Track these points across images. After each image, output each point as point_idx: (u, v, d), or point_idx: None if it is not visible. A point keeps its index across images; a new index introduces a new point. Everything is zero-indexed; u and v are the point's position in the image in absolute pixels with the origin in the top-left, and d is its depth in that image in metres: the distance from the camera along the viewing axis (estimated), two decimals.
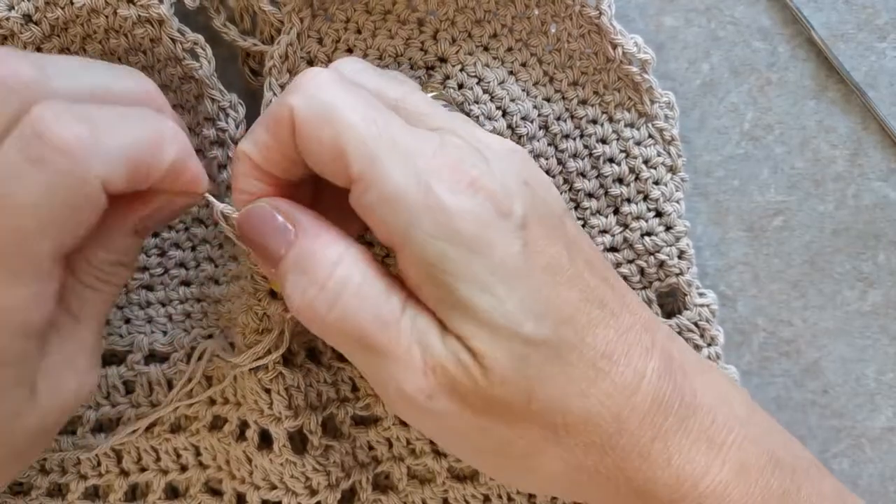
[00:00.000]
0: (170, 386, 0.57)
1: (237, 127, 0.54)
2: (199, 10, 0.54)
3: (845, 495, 0.50)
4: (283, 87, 0.53)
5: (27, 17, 0.52)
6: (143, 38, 0.52)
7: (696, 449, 0.46)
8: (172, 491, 0.59)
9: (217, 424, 0.57)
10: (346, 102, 0.43)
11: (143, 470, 0.58)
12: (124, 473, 0.58)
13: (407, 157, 0.42)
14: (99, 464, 0.58)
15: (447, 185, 0.42)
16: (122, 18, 0.52)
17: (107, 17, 0.52)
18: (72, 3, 0.51)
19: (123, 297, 0.57)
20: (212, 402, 0.57)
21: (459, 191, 0.42)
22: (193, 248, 0.57)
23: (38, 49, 0.53)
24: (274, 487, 0.56)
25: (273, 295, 0.53)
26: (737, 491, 0.46)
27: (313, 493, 0.56)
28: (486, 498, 0.57)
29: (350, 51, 0.54)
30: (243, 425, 0.56)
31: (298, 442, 0.56)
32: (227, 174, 0.54)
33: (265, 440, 0.56)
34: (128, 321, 0.57)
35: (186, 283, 0.57)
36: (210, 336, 0.56)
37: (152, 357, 0.58)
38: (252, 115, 0.54)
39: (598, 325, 0.45)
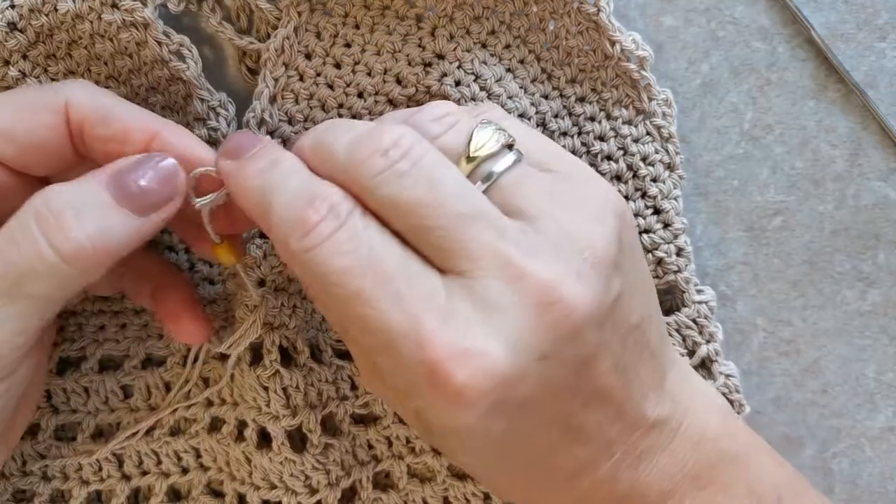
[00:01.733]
0: (167, 389, 0.57)
1: (229, 125, 0.54)
2: (184, 12, 0.55)
3: None
4: (276, 80, 0.54)
5: (12, 25, 0.52)
6: (129, 41, 0.53)
7: None
8: (174, 494, 0.59)
9: (216, 426, 0.57)
10: (347, 267, 0.41)
11: (144, 474, 0.58)
12: (126, 478, 0.58)
13: (396, 341, 0.41)
14: (100, 469, 0.58)
15: (431, 395, 0.41)
16: (106, 23, 0.52)
17: (91, 22, 0.52)
18: (56, 10, 0.51)
19: (119, 303, 0.57)
20: (209, 403, 0.57)
21: (441, 406, 0.41)
22: (187, 251, 0.57)
23: (24, 56, 0.53)
24: (274, 487, 0.56)
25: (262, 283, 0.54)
26: None
27: (313, 491, 0.56)
28: (487, 496, 0.57)
29: (348, 45, 0.54)
30: (241, 425, 0.56)
31: (298, 441, 0.56)
32: None
33: (264, 439, 0.56)
34: (123, 326, 0.57)
35: None
36: None
37: (149, 361, 0.58)
38: (241, 114, 0.55)
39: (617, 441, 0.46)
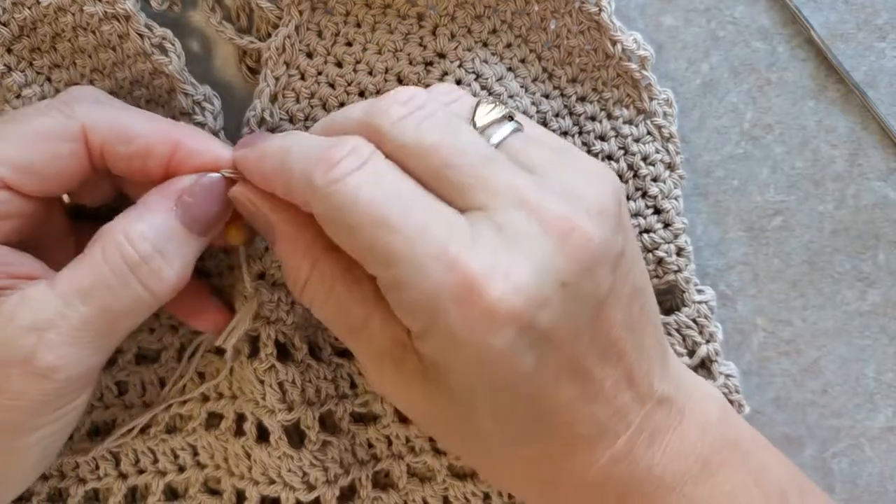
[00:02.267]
0: (162, 385, 0.57)
1: (215, 119, 0.54)
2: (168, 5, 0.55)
3: None
4: (277, 79, 0.54)
5: None
6: (111, 34, 0.52)
7: None
8: (171, 492, 0.59)
9: (213, 422, 0.57)
10: (373, 197, 0.42)
11: (141, 472, 0.58)
12: (122, 476, 0.58)
13: (424, 265, 0.41)
14: (97, 467, 0.58)
15: (461, 316, 0.41)
16: (88, 15, 0.52)
17: (73, 14, 0.52)
18: (38, 3, 0.51)
19: None
20: (205, 398, 0.57)
21: (472, 326, 0.41)
22: None
23: (9, 50, 0.53)
24: (273, 482, 0.56)
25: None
26: None
27: (311, 488, 0.56)
28: (487, 496, 0.57)
29: (349, 44, 0.54)
30: (240, 419, 0.56)
31: (296, 437, 0.56)
32: None
33: (263, 434, 0.56)
34: None
35: None
36: (199, 332, 0.56)
37: (144, 358, 0.58)
38: (226, 108, 0.55)
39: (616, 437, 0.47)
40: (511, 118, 0.46)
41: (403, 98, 0.44)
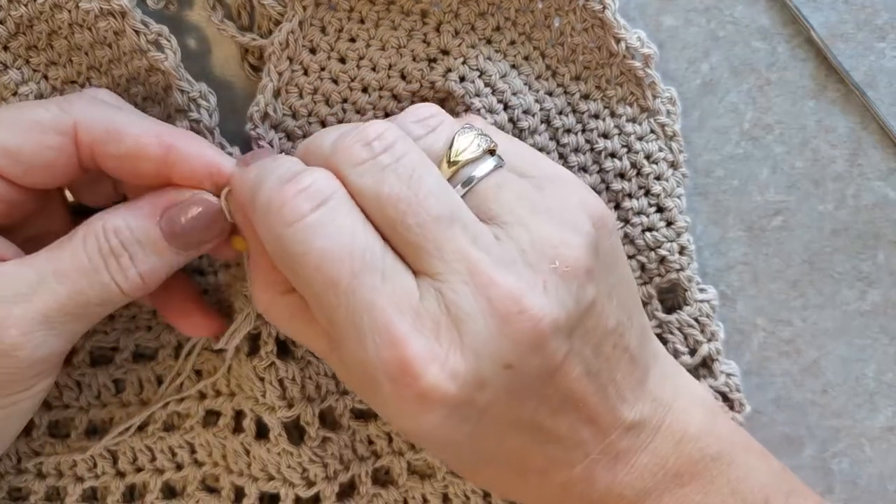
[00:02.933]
0: (159, 383, 0.57)
1: (210, 116, 0.54)
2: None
3: None
4: (281, 74, 0.53)
5: None
6: (107, 30, 0.52)
7: None
8: (170, 490, 0.59)
9: (211, 420, 0.57)
10: (325, 249, 0.42)
11: (139, 470, 0.58)
12: (120, 474, 0.58)
13: (365, 338, 0.41)
14: (95, 465, 0.58)
15: (395, 394, 0.41)
16: (84, 12, 0.52)
17: (69, 11, 0.52)
18: (34, 0, 0.51)
19: None
20: (202, 396, 0.57)
21: (404, 405, 0.42)
22: None
23: (5, 48, 0.53)
24: (272, 478, 0.56)
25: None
26: None
27: (310, 484, 0.56)
28: (486, 494, 0.57)
29: (353, 40, 0.54)
30: (239, 416, 0.56)
31: (296, 433, 0.56)
32: None
33: (262, 431, 0.56)
34: (112, 318, 0.57)
35: None
36: None
37: (140, 355, 0.58)
38: (229, 106, 0.55)
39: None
40: (492, 152, 0.46)
41: (371, 136, 0.43)
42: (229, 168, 0.47)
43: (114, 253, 0.46)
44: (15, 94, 0.53)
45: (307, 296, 0.43)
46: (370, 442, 0.58)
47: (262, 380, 0.54)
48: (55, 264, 0.45)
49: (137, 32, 0.52)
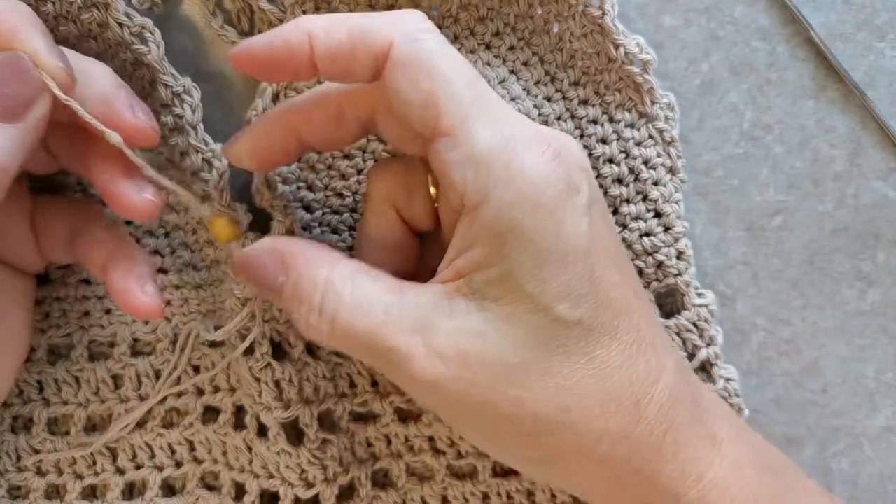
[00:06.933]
0: (157, 378, 0.57)
1: (193, 112, 0.53)
2: None
3: (827, 497, 0.52)
4: None
5: None
6: (91, 22, 0.52)
7: (701, 445, 0.46)
8: (169, 487, 0.59)
9: (210, 417, 0.57)
10: (448, 56, 0.43)
11: (138, 467, 0.58)
12: (120, 472, 0.58)
13: (497, 121, 0.43)
14: (94, 463, 0.58)
15: (532, 156, 0.42)
16: (68, 3, 0.52)
17: (54, 3, 0.52)
18: None
19: (102, 287, 0.57)
20: (200, 392, 0.57)
21: (543, 162, 0.42)
22: (167, 235, 0.56)
23: None
24: (272, 476, 0.56)
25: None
26: (735, 486, 0.46)
27: (309, 485, 0.56)
28: (486, 496, 0.57)
29: None
30: (240, 412, 0.57)
31: (295, 434, 0.56)
32: (189, 161, 0.53)
33: (263, 428, 0.56)
34: (108, 312, 0.57)
35: (163, 271, 0.57)
36: (188, 323, 0.56)
37: (139, 350, 0.58)
38: (206, 101, 0.54)
39: (634, 311, 0.45)
40: None
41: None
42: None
43: None
44: None
45: None
46: (369, 444, 0.58)
47: (258, 380, 0.54)
48: None
49: (121, 25, 0.52)
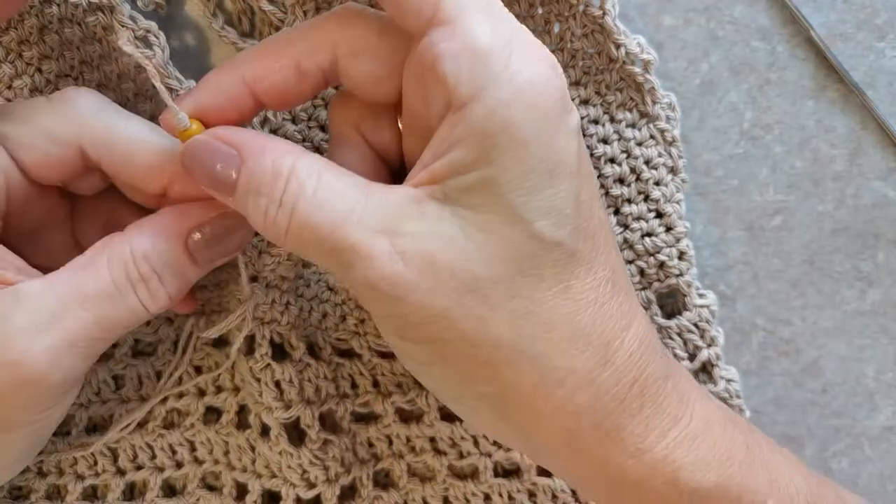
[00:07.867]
0: (159, 378, 0.57)
1: None
2: None
3: (794, 458, 0.50)
4: None
5: None
6: (96, 25, 0.52)
7: (668, 401, 0.44)
8: (170, 488, 0.59)
9: (211, 417, 0.57)
10: None
11: (139, 468, 0.58)
12: (120, 472, 0.58)
13: (498, 20, 0.40)
14: (95, 463, 0.58)
15: (532, 61, 0.40)
16: (73, 6, 0.52)
17: (59, 5, 0.52)
18: None
19: None
20: (202, 393, 0.57)
21: (543, 69, 0.40)
22: None
23: None
24: (274, 476, 0.56)
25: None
26: (705, 444, 0.44)
27: (311, 486, 0.56)
28: (487, 496, 0.57)
29: None
30: (242, 412, 0.57)
31: (297, 435, 0.56)
32: None
33: (267, 427, 0.56)
34: None
35: None
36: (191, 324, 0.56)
37: (140, 351, 0.58)
38: None
39: (611, 250, 0.43)
40: None
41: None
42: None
43: (143, 279, 0.45)
44: (10, 87, 0.53)
45: None
46: (370, 445, 0.58)
47: (258, 380, 0.54)
48: (79, 288, 0.44)
49: (125, 28, 0.52)
